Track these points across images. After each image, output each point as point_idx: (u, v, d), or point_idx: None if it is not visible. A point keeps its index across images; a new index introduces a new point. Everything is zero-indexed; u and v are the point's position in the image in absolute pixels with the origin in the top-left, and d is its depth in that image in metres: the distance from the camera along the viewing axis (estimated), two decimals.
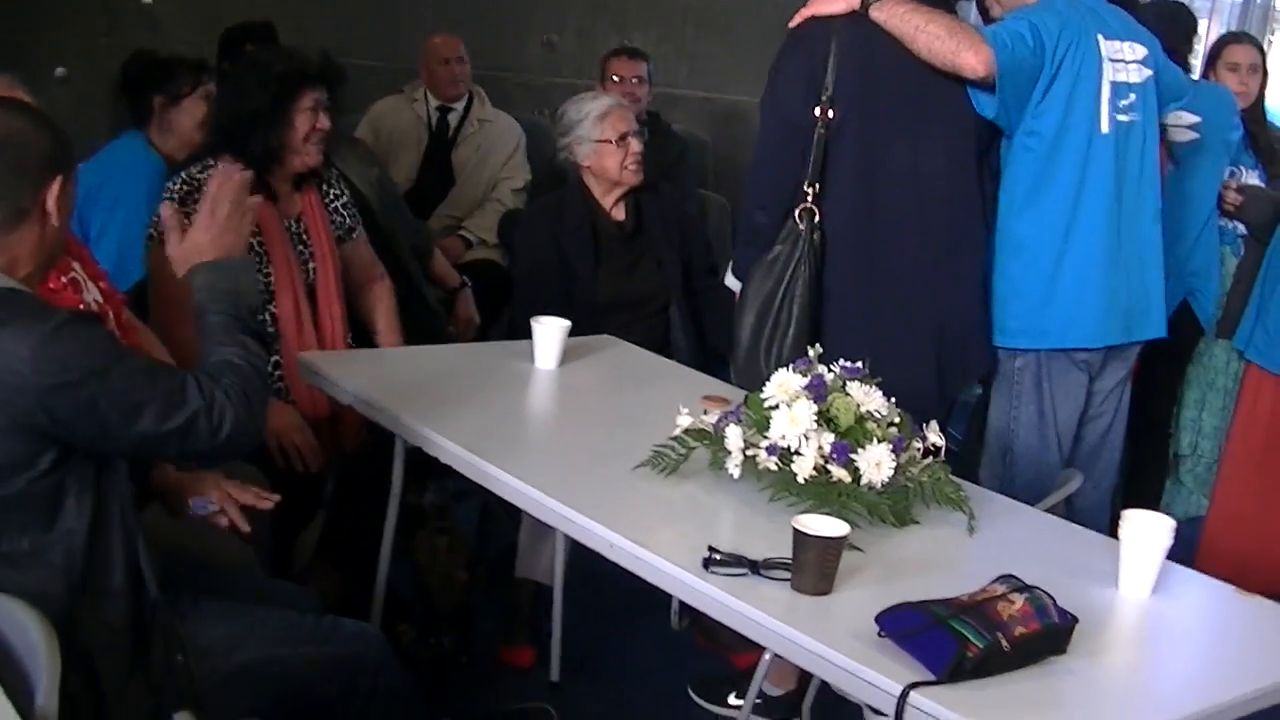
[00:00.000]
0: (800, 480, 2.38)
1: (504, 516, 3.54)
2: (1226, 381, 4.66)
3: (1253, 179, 4.54)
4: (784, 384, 2.46)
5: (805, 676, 3.24)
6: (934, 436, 2.53)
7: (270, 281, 3.37)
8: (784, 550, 2.15)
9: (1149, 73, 3.32)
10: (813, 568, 2.12)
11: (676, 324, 3.97)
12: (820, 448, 2.38)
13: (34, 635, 2.02)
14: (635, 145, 3.95)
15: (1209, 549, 4.07)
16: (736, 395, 2.83)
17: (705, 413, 2.63)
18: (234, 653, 2.32)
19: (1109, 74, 3.23)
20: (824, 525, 2.13)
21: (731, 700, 3.42)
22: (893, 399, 2.50)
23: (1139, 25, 3.36)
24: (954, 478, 2.54)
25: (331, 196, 3.62)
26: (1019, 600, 1.98)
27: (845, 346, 2.67)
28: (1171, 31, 4.01)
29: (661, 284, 3.99)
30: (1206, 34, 5.42)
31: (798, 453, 2.38)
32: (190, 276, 2.36)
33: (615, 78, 5.29)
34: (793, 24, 3.18)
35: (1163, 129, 3.50)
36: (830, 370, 2.50)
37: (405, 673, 2.55)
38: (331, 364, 3.19)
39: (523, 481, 2.54)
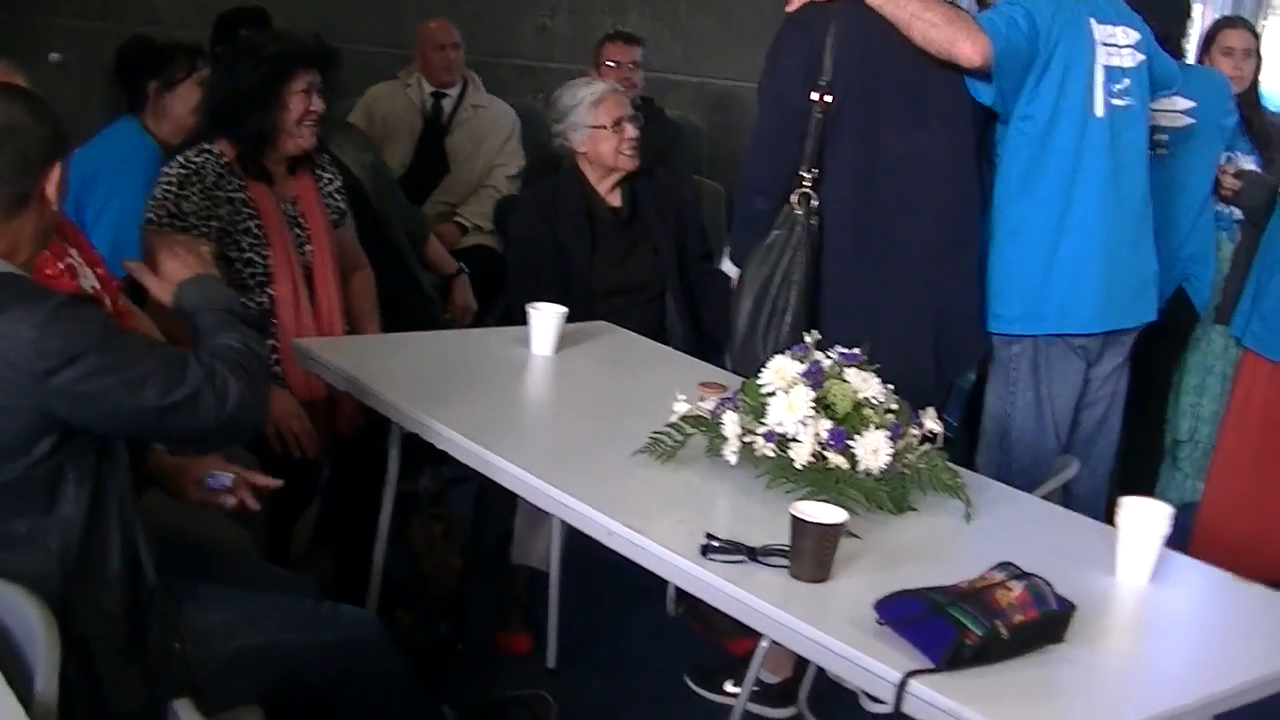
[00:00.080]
0: (797, 467, 2.37)
1: (499, 503, 3.54)
2: (1225, 366, 4.66)
3: (1248, 164, 4.52)
4: (781, 370, 2.45)
5: (801, 664, 3.25)
6: (931, 423, 2.52)
7: (269, 264, 3.36)
8: (781, 537, 2.15)
9: (1142, 58, 3.32)
10: (810, 555, 2.12)
11: (672, 310, 3.95)
12: (817, 434, 2.37)
13: (33, 621, 2.02)
14: (630, 130, 3.93)
15: (1203, 535, 4.06)
16: (733, 381, 2.83)
17: (702, 399, 2.63)
18: (231, 638, 2.32)
19: (1102, 58, 3.22)
20: (822, 512, 2.13)
21: (728, 688, 3.41)
22: (890, 385, 2.49)
23: (1131, 11, 3.36)
24: (951, 465, 2.54)
25: (325, 181, 3.61)
26: (1017, 587, 1.98)
27: (842, 332, 2.67)
28: (1166, 14, 3.99)
29: (657, 270, 3.98)
30: (1201, 18, 5.40)
31: (795, 439, 2.37)
32: (178, 294, 2.39)
33: (610, 63, 5.28)
34: (790, 8, 3.17)
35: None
36: (827, 356, 2.50)
37: (403, 659, 2.55)
38: (327, 350, 3.19)
39: (520, 468, 2.54)
